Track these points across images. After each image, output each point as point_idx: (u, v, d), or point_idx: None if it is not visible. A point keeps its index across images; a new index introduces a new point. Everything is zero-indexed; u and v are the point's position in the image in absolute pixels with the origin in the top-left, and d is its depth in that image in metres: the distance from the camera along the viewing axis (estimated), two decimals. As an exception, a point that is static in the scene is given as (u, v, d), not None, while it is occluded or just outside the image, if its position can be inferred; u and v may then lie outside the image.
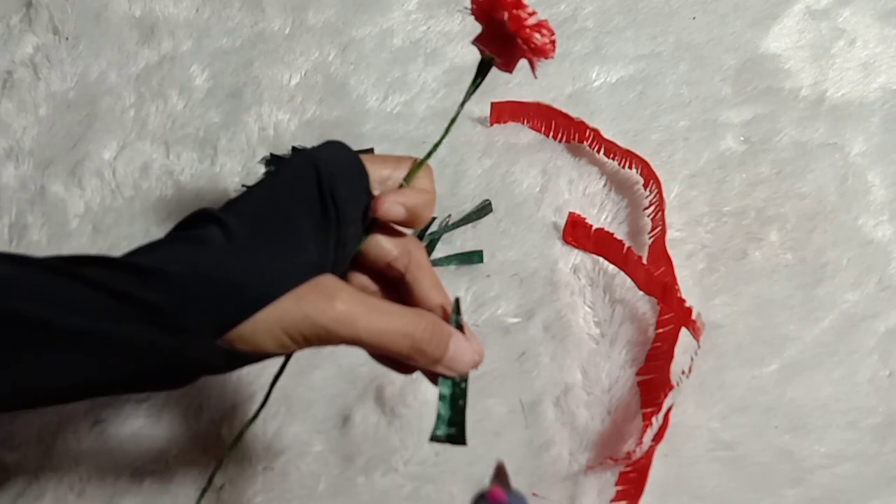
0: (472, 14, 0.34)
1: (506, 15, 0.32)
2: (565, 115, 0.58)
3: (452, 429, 0.34)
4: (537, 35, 0.32)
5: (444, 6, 0.65)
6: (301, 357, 0.50)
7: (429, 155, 0.38)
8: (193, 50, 0.62)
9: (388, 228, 0.36)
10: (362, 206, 0.34)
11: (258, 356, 0.31)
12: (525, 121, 0.60)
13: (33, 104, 0.59)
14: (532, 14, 0.32)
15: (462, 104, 0.37)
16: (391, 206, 0.34)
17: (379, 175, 0.36)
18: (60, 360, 0.28)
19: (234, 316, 0.29)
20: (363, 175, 0.35)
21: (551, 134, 0.60)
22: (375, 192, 0.35)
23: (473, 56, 0.65)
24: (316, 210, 0.32)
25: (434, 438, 0.33)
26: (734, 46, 0.64)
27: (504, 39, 0.34)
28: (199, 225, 0.31)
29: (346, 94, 0.61)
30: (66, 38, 0.61)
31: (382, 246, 0.36)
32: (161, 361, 0.29)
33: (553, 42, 0.33)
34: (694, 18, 0.66)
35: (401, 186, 0.36)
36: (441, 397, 0.34)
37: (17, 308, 0.27)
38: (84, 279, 0.28)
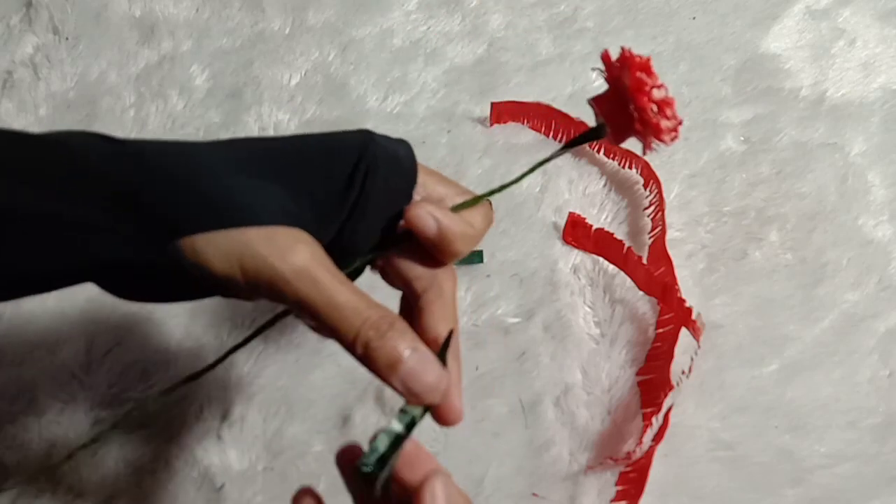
0: (604, 73, 0.31)
1: (629, 77, 0.29)
2: (565, 115, 0.58)
3: (378, 466, 0.29)
4: (653, 107, 0.29)
5: (444, 6, 0.65)
6: (301, 357, 0.50)
7: (493, 192, 0.34)
8: (193, 50, 0.62)
9: (423, 250, 0.33)
10: (394, 209, 0.32)
11: (204, 281, 0.29)
12: (525, 121, 0.60)
13: (33, 104, 0.59)
14: (659, 86, 0.29)
15: (552, 157, 0.34)
16: (423, 216, 0.31)
17: (434, 191, 0.33)
18: (28, 247, 0.28)
19: (197, 223, 0.28)
20: (409, 178, 0.33)
21: (551, 134, 0.60)
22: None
23: (473, 56, 0.65)
24: (339, 183, 0.31)
25: (359, 467, 0.29)
26: (734, 46, 0.64)
27: (622, 106, 0.30)
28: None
29: (346, 94, 0.61)
30: (66, 38, 0.61)
31: (408, 260, 0.33)
32: (128, 250, 0.28)
33: (676, 128, 0.29)
34: (694, 18, 0.66)
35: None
36: (386, 431, 0.29)
37: (20, 196, 0.27)
38: (66, 146, 0.28)
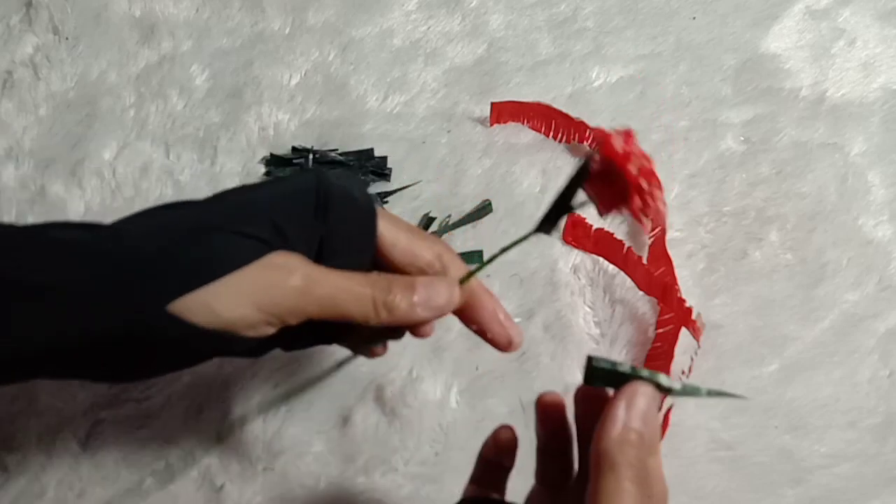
0: (596, 159, 0.32)
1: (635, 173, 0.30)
2: (565, 115, 0.58)
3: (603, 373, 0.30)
4: (652, 195, 0.31)
5: (444, 6, 0.65)
6: (301, 357, 0.50)
7: (482, 265, 0.36)
8: (193, 50, 0.62)
9: (415, 231, 0.36)
10: (358, 245, 0.34)
11: (229, 336, 0.30)
12: (525, 121, 0.60)
13: (33, 104, 0.59)
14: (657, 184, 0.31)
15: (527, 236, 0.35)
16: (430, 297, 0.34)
17: (397, 239, 0.35)
18: (24, 318, 0.28)
19: (184, 284, 0.29)
20: (369, 215, 0.34)
21: (551, 134, 0.60)
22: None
23: (473, 56, 0.65)
24: (306, 223, 0.32)
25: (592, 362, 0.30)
26: (734, 46, 0.64)
27: (613, 185, 0.31)
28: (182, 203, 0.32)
29: (346, 94, 0.61)
30: (66, 38, 0.61)
31: (413, 250, 0.35)
32: (119, 326, 0.28)
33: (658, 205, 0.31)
34: (694, 18, 0.66)
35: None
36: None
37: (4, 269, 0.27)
38: (49, 238, 0.29)
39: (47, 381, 0.49)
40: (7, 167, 0.56)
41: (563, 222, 0.33)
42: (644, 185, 0.30)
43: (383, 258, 0.35)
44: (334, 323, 0.33)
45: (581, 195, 0.32)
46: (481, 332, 0.36)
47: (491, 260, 0.36)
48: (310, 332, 0.35)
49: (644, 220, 0.30)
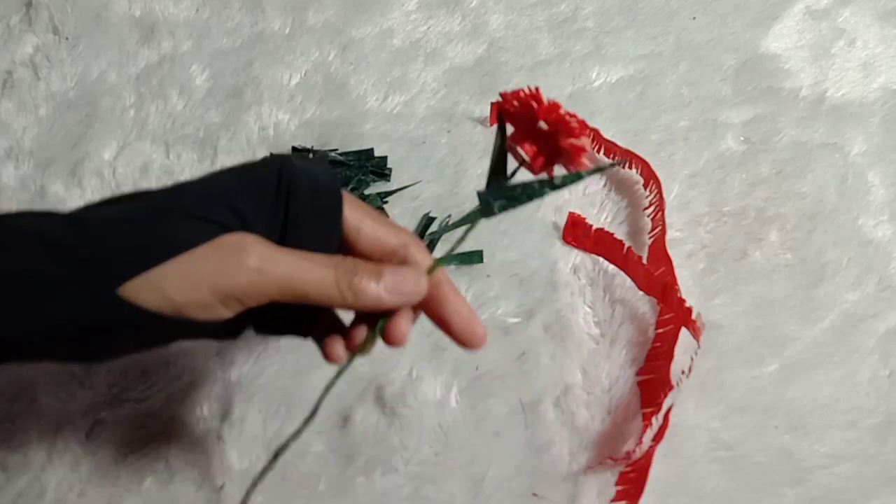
0: (497, 110, 0.32)
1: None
2: (565, 115, 0.58)
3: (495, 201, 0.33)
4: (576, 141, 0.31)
5: (444, 6, 0.65)
6: (301, 357, 0.50)
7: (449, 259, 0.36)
8: (193, 50, 0.62)
9: (381, 218, 0.35)
10: (324, 229, 0.33)
11: (183, 320, 0.30)
12: (525, 121, 0.60)
13: (33, 104, 0.59)
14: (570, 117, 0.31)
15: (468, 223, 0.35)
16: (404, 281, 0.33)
17: (356, 220, 0.34)
18: None
19: (135, 267, 0.28)
20: (333, 199, 0.34)
21: (551, 134, 0.60)
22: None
23: (473, 56, 0.65)
24: (266, 207, 0.32)
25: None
26: (734, 46, 0.64)
27: (539, 137, 0.32)
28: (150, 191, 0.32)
29: (346, 94, 0.61)
30: (66, 38, 0.61)
31: (378, 236, 0.34)
32: (78, 313, 0.28)
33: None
34: (694, 18, 0.66)
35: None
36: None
37: None
38: (10, 227, 0.29)
39: (47, 381, 0.49)
40: (7, 167, 0.56)
41: (508, 200, 0.32)
42: (546, 128, 0.30)
43: (347, 244, 0.34)
44: (303, 310, 0.32)
45: (512, 163, 0.33)
46: (445, 327, 0.35)
47: (450, 253, 0.35)
48: (279, 318, 0.34)
49: (584, 163, 0.30)
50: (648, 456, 0.47)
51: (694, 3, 0.66)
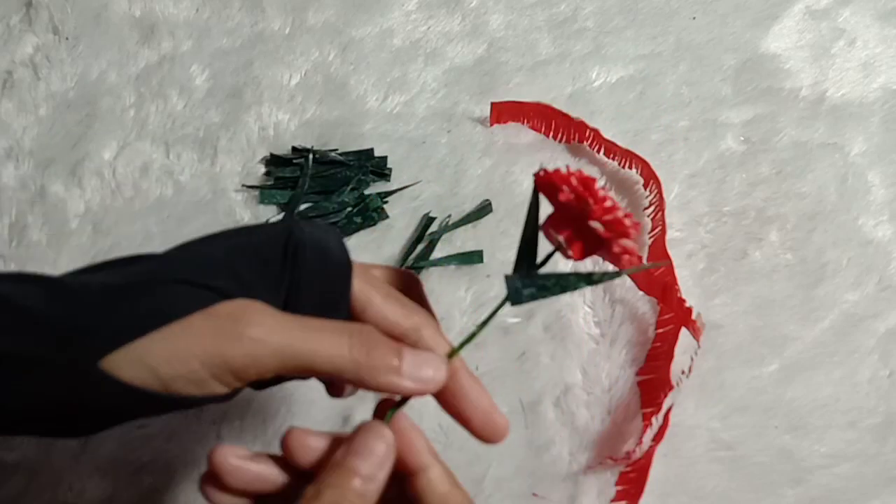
0: (538, 185, 0.29)
1: (596, 210, 0.27)
2: (565, 115, 0.58)
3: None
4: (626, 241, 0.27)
5: (444, 6, 0.65)
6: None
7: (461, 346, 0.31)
8: (193, 50, 0.62)
9: (392, 294, 0.31)
10: (331, 295, 0.30)
11: (172, 397, 0.27)
12: (525, 121, 0.60)
13: (33, 104, 0.59)
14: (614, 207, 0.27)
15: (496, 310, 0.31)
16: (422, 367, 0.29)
17: (364, 297, 0.31)
18: None
19: (119, 338, 0.26)
20: (342, 265, 0.31)
21: (551, 134, 0.60)
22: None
23: (473, 56, 0.65)
24: (272, 272, 0.29)
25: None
26: (734, 46, 0.64)
27: (582, 228, 0.28)
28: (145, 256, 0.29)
29: (346, 94, 0.61)
30: (66, 38, 0.61)
31: (386, 316, 0.31)
32: (58, 391, 0.26)
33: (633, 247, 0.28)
34: (694, 18, 0.66)
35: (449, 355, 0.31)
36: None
37: None
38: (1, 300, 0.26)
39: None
40: (7, 167, 0.56)
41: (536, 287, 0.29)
42: (601, 229, 0.27)
43: (355, 319, 0.31)
44: None
45: (546, 244, 0.30)
46: (462, 420, 0.32)
47: (470, 338, 0.31)
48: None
49: (625, 261, 0.28)
50: (648, 456, 0.47)
51: (694, 3, 0.66)
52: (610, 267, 0.28)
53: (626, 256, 0.27)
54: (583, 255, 0.29)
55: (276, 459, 0.29)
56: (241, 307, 0.27)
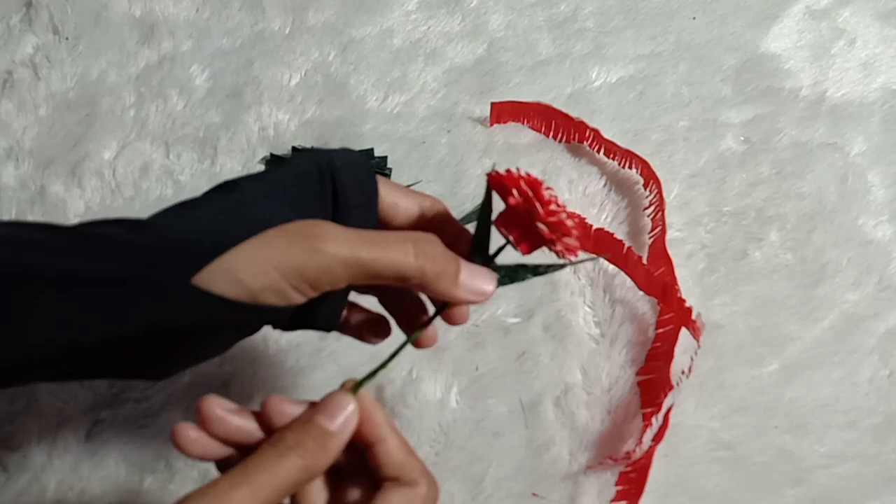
0: (491, 184, 0.32)
1: (541, 210, 0.30)
2: (565, 115, 0.58)
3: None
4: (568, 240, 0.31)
5: (444, 6, 0.65)
6: (301, 357, 0.50)
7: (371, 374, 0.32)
8: (193, 50, 0.62)
9: (402, 189, 0.35)
10: (367, 205, 0.34)
11: (259, 307, 0.29)
12: (525, 121, 0.60)
13: (33, 104, 0.59)
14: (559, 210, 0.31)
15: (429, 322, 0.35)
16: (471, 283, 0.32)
17: (390, 194, 0.34)
18: (72, 311, 0.27)
19: (204, 256, 0.28)
20: (369, 177, 0.34)
21: (551, 134, 0.60)
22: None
23: (473, 56, 0.65)
24: (316, 193, 0.32)
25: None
26: (734, 46, 0.64)
27: (529, 228, 0.32)
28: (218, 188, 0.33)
29: (346, 94, 0.61)
30: (66, 38, 0.61)
31: (407, 207, 0.35)
32: (160, 307, 0.28)
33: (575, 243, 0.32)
34: (694, 18, 0.66)
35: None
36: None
37: (34, 262, 0.27)
38: (93, 235, 0.29)
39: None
40: (7, 167, 0.56)
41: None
42: (546, 231, 0.30)
43: (383, 223, 0.35)
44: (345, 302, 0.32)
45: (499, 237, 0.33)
46: (446, 318, 0.35)
47: (379, 369, 0.32)
48: (323, 309, 0.34)
49: (567, 256, 0.32)
50: (648, 456, 0.47)
51: (694, 3, 0.66)
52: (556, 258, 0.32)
53: (568, 253, 0.31)
54: (530, 251, 0.32)
55: (258, 416, 0.31)
56: (310, 225, 0.30)
